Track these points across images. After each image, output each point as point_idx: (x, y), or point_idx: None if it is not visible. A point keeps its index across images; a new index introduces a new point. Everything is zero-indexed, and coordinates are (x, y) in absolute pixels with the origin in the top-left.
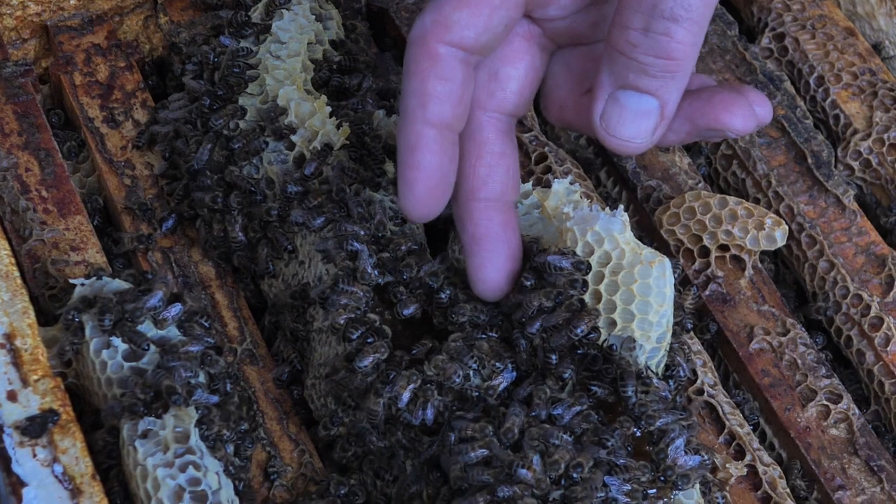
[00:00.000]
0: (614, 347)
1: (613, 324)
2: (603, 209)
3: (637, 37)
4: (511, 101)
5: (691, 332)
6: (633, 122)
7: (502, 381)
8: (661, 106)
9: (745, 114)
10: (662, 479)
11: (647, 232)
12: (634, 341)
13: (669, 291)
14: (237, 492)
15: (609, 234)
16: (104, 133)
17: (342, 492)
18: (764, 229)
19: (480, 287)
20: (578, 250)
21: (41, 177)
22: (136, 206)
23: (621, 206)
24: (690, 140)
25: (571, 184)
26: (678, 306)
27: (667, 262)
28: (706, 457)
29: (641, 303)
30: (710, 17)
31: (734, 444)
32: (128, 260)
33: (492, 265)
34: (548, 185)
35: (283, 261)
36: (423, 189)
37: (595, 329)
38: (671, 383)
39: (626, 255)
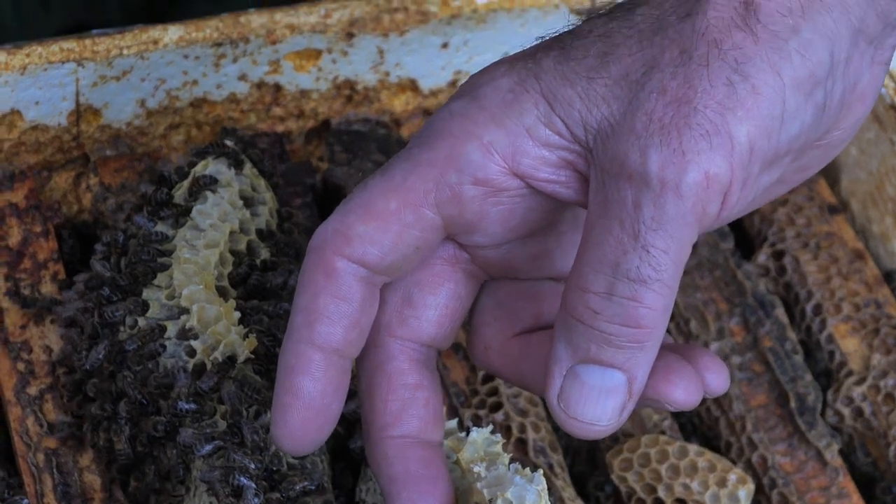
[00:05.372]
0: None
1: None
2: (524, 468)
3: (599, 303)
4: (427, 331)
5: None
6: (597, 402)
7: None
8: (628, 381)
9: (689, 386)
10: None
11: (601, 470)
12: None
13: None
14: None
15: (521, 503)
16: (4, 307)
17: None
18: (726, 486)
19: None
20: None
21: None
22: None
23: (539, 472)
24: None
25: (493, 433)
26: None
27: None
28: None
29: None
30: (679, 279)
31: None
32: (10, 460)
33: None
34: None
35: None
36: (298, 418)
37: None
38: None
39: None
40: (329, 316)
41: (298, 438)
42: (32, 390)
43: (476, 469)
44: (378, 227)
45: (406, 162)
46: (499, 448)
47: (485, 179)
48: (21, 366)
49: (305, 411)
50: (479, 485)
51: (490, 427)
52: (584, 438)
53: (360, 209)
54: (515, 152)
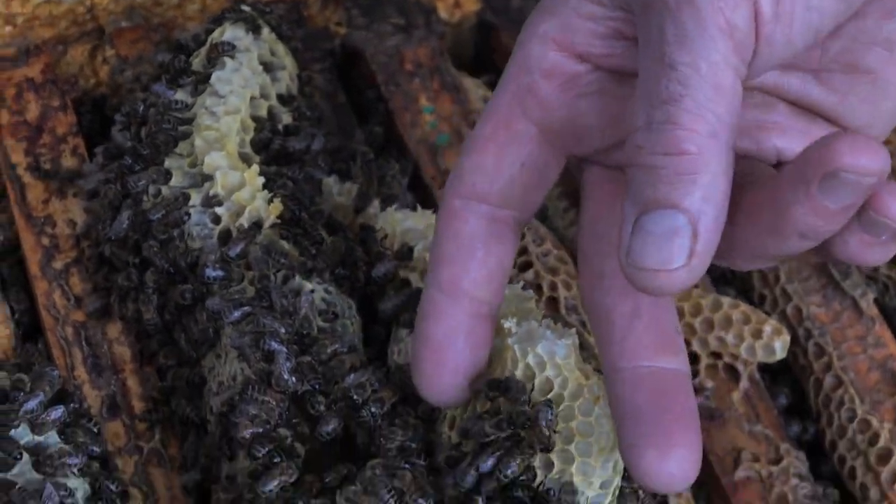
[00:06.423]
0: (551, 493)
1: (551, 465)
2: (556, 324)
3: (641, 136)
4: None
5: None
6: (661, 247)
7: None
8: (691, 222)
9: (866, 146)
10: None
11: None
12: (574, 486)
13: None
14: None
15: (552, 358)
16: (26, 182)
17: None
18: (761, 338)
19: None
20: (519, 373)
21: None
22: None
23: (574, 328)
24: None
25: (524, 289)
26: None
27: None
28: None
29: (582, 443)
30: (726, 104)
31: None
32: (35, 326)
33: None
34: None
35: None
36: (430, 367)
37: (529, 469)
38: None
39: (568, 385)
40: (450, 258)
41: (435, 385)
42: (58, 264)
43: (507, 325)
44: (479, 155)
45: (496, 89)
46: (532, 304)
47: (550, 69)
48: (45, 240)
49: (435, 355)
50: (510, 340)
51: (521, 283)
52: (657, 293)
53: (467, 147)
54: (567, 33)
